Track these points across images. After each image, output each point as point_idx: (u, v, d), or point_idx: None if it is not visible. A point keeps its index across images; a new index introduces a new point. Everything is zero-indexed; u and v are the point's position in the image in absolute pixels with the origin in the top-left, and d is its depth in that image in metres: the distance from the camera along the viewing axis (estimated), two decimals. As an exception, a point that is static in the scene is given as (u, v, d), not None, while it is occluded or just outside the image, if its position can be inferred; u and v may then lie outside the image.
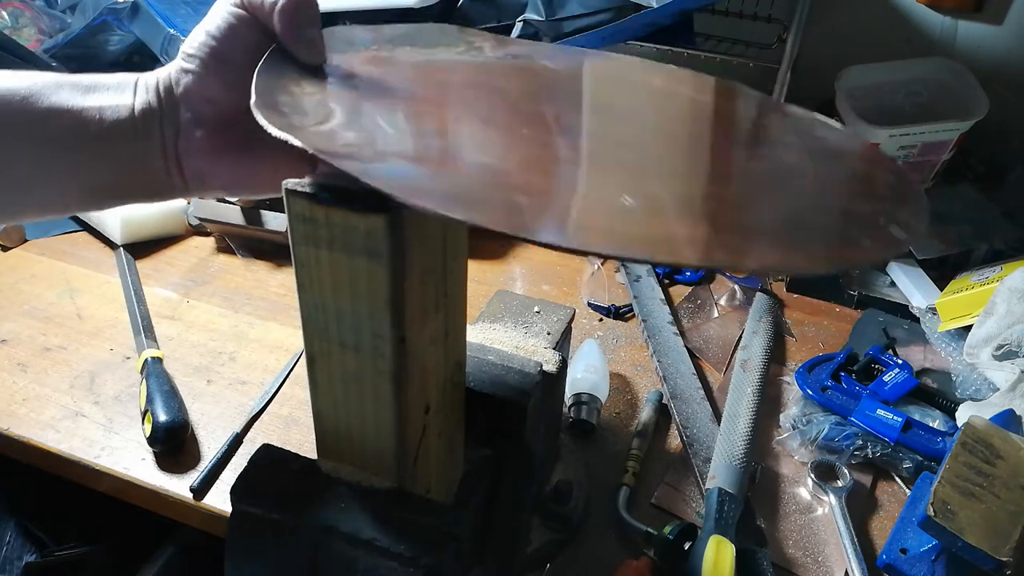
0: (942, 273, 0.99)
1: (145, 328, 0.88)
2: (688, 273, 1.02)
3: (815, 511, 0.72)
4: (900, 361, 0.86)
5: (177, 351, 0.87)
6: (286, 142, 0.37)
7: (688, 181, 0.46)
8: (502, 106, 0.49)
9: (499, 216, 0.35)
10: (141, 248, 1.03)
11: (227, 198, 1.01)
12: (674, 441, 0.79)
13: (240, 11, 0.46)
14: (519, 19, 1.06)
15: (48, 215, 0.51)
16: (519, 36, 1.05)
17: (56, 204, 0.50)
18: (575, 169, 0.43)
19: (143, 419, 0.76)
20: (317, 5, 0.46)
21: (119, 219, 1.01)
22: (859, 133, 0.51)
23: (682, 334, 0.92)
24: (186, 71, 0.47)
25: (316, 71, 0.46)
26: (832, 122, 0.55)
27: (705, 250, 0.37)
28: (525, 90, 0.53)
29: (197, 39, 0.47)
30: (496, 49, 0.56)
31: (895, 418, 0.77)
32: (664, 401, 0.82)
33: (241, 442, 0.76)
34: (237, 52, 0.46)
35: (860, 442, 0.76)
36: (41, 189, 0.48)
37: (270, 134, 0.37)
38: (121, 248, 1.02)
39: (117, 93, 0.48)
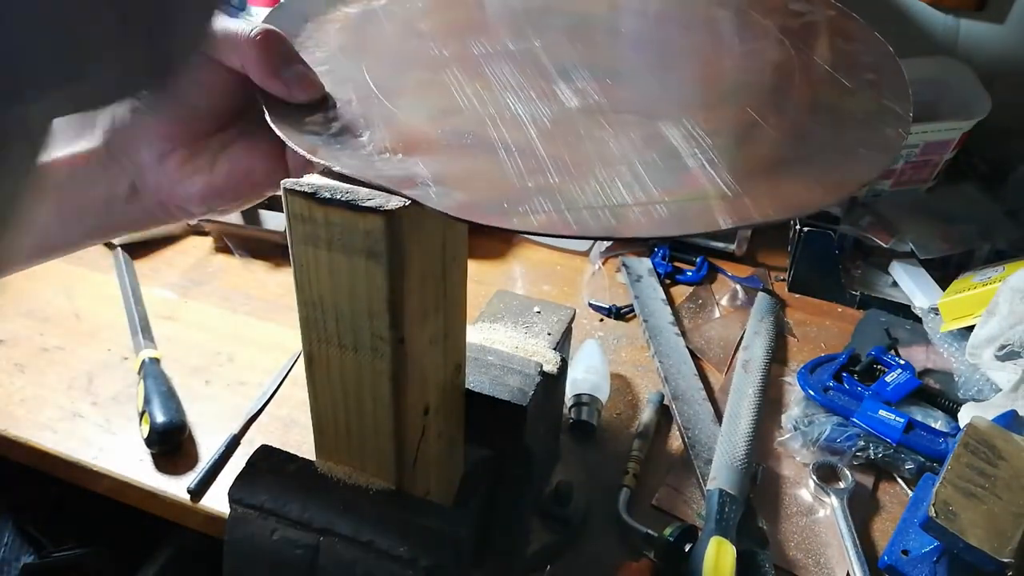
0: (944, 273, 0.98)
1: (143, 328, 0.88)
2: (690, 273, 1.02)
3: (817, 512, 0.72)
4: (902, 362, 0.85)
5: (175, 351, 0.86)
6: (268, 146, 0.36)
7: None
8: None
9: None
10: (139, 248, 1.03)
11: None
12: (675, 442, 0.78)
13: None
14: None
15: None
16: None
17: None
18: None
19: (141, 420, 0.76)
20: (288, 40, 0.43)
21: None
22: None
23: (683, 334, 0.92)
24: (136, 112, 0.44)
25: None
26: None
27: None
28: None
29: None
30: None
31: (897, 419, 0.76)
32: (665, 402, 0.82)
33: (239, 443, 0.76)
34: (192, 92, 0.44)
35: (862, 443, 0.75)
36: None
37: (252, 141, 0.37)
38: (119, 248, 1.01)
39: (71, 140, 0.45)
